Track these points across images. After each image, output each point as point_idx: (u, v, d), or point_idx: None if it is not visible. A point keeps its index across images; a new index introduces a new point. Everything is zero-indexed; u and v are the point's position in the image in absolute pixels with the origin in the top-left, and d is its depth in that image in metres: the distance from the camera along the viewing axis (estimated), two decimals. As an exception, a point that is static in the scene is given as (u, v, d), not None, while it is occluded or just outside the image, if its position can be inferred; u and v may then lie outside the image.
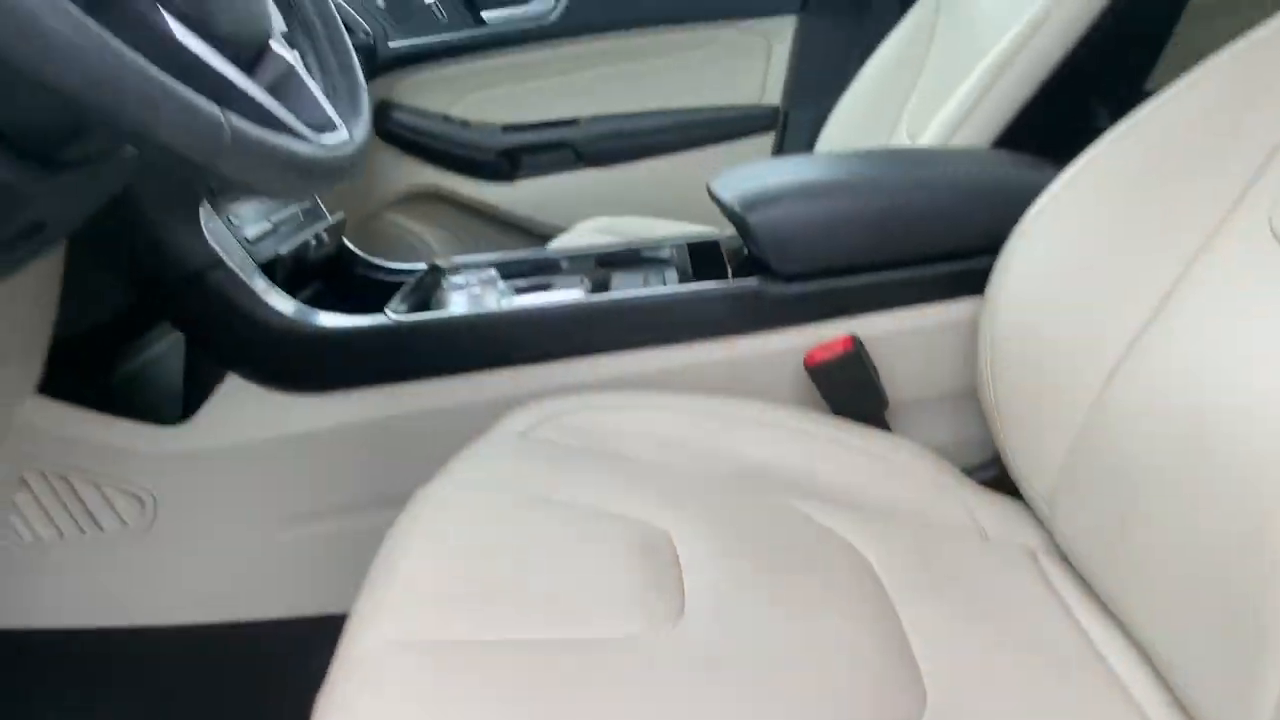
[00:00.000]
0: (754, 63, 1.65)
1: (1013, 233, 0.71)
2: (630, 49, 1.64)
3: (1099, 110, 0.99)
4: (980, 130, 0.98)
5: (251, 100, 0.44)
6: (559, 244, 1.33)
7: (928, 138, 1.01)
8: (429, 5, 1.58)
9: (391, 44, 1.58)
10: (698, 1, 1.62)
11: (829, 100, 1.59)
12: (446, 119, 1.66)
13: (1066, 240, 0.68)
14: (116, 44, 0.35)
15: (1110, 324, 0.59)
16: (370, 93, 1.60)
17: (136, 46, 0.40)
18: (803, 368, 0.80)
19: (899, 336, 0.82)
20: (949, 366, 0.82)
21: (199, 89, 0.40)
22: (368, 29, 1.53)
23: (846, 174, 0.88)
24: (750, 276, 0.82)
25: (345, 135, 0.51)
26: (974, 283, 0.76)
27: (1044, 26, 0.97)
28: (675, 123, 1.66)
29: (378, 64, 1.57)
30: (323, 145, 0.47)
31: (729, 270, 0.89)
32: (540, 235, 1.73)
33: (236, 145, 0.40)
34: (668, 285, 0.86)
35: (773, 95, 1.66)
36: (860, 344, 0.79)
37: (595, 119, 1.67)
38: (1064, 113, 1.00)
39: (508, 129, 1.67)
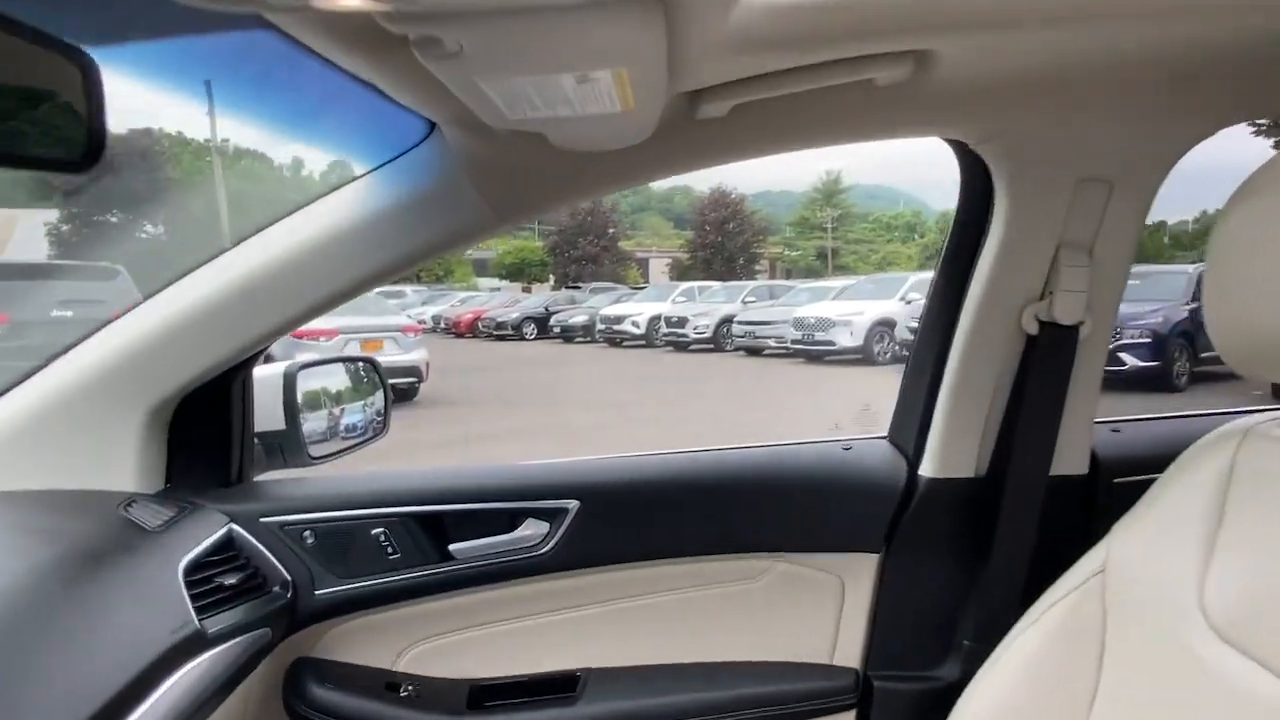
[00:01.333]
0: (823, 609, 1.21)
1: None
2: (650, 579, 1.21)
3: None
4: None
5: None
6: None
7: None
8: (375, 535, 1.16)
9: (319, 592, 1.13)
10: (749, 536, 1.20)
11: (930, 665, 1.14)
12: (389, 684, 1.17)
13: None
14: None
15: None
16: (282, 653, 1.14)
17: None
18: None
19: None
20: None
21: None
22: (287, 577, 1.09)
23: None
24: None
25: None
26: None
27: None
28: (716, 699, 1.18)
29: (297, 619, 1.11)
30: None
31: None
32: None
33: None
34: None
35: (848, 655, 1.20)
36: None
37: (601, 677, 1.19)
38: None
39: (474, 694, 1.18)
